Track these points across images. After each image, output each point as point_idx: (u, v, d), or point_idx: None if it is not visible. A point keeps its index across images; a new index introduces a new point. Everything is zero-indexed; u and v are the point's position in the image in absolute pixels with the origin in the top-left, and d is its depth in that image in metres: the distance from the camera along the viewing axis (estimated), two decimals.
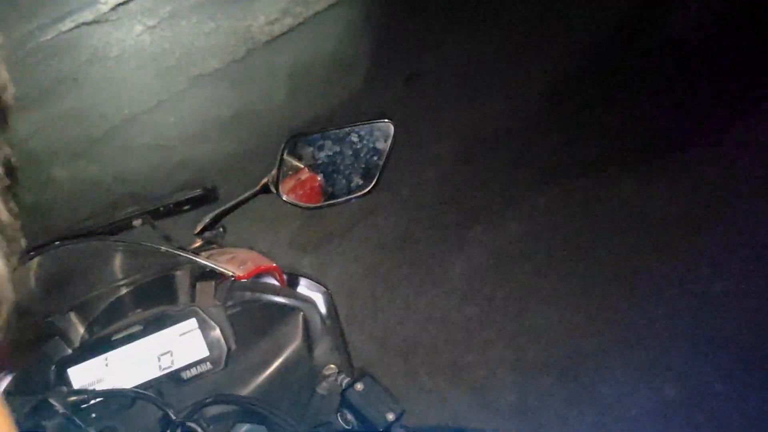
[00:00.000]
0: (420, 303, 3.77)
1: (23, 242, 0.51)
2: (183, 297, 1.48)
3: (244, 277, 1.55)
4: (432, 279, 3.87)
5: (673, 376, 3.26)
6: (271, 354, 1.48)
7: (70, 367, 1.38)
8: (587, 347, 3.44)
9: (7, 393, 1.33)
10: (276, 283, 1.71)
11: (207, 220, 1.82)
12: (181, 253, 1.53)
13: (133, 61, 5.83)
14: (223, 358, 1.42)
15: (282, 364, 1.48)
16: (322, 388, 1.48)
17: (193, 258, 1.53)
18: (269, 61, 5.59)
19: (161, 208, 1.78)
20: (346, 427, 1.40)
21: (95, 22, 6.20)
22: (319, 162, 1.77)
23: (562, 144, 4.45)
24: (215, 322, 1.42)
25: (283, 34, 5.76)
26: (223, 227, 1.85)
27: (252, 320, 1.49)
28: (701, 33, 5.06)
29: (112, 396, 1.35)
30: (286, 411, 1.38)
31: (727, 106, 4.48)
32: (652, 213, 3.94)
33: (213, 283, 1.49)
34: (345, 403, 1.41)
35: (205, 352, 1.41)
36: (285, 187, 1.74)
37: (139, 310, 1.47)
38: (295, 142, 1.75)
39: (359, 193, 1.76)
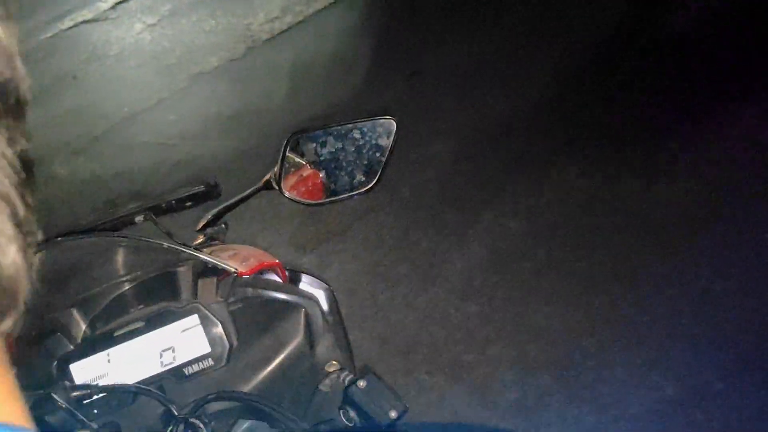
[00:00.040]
0: (420, 302, 3.77)
1: (40, 235, 0.51)
2: (185, 293, 1.48)
3: (246, 274, 1.55)
4: (432, 278, 3.87)
5: (673, 376, 3.26)
6: (273, 350, 1.48)
7: (72, 362, 1.38)
8: (587, 346, 3.44)
9: None
10: (278, 279, 1.71)
11: (209, 216, 1.82)
12: (184, 249, 1.53)
13: (133, 59, 5.82)
14: (225, 354, 1.42)
15: (284, 360, 1.47)
16: (325, 385, 1.48)
17: (196, 254, 1.53)
18: (269, 60, 5.59)
19: (163, 205, 1.78)
20: (349, 424, 1.40)
21: (95, 20, 6.20)
22: (322, 158, 1.77)
23: (562, 144, 4.45)
24: (217, 319, 1.42)
25: (284, 32, 5.76)
26: (226, 223, 1.85)
27: (254, 317, 1.48)
28: (701, 33, 5.06)
29: (114, 391, 1.35)
30: (288, 407, 1.38)
31: (727, 105, 4.49)
32: (653, 212, 3.94)
33: (215, 279, 1.49)
34: (347, 400, 1.40)
35: (207, 349, 1.41)
36: (287, 183, 1.74)
37: (141, 306, 1.47)
38: (297, 138, 1.74)
39: (361, 190, 1.76)
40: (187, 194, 1.82)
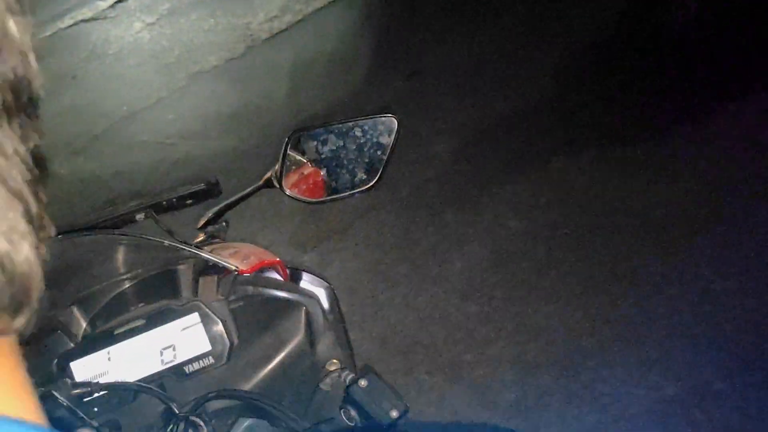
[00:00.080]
0: (419, 301, 3.77)
1: (53, 231, 0.52)
2: (186, 291, 1.48)
3: (247, 272, 1.55)
4: (431, 277, 3.86)
5: (673, 375, 3.26)
6: (274, 349, 1.48)
7: (72, 360, 1.38)
8: (587, 346, 3.44)
9: None
10: (279, 277, 1.70)
11: (210, 214, 1.82)
12: (184, 247, 1.53)
13: (132, 58, 5.82)
14: (226, 352, 1.42)
15: (284, 358, 1.48)
16: (326, 384, 1.47)
17: (197, 252, 1.53)
18: (269, 59, 5.59)
19: (164, 203, 1.78)
20: (350, 423, 1.40)
21: (94, 19, 6.20)
22: (323, 156, 1.76)
23: (562, 143, 4.45)
24: (218, 317, 1.42)
25: (283, 31, 5.76)
26: (226, 221, 1.84)
27: (254, 315, 1.48)
28: (701, 33, 5.06)
29: (115, 389, 1.35)
30: (288, 406, 1.39)
31: (727, 105, 4.49)
32: (653, 212, 3.94)
33: (216, 277, 1.49)
34: (348, 399, 1.40)
35: (207, 347, 1.41)
36: (288, 181, 1.73)
37: (141, 304, 1.46)
38: (298, 136, 1.74)
39: (362, 188, 1.75)
40: (187, 192, 1.82)
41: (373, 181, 1.74)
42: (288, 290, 1.53)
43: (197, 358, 1.41)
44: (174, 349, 1.41)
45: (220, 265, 1.51)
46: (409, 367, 3.51)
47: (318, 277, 1.79)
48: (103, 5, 6.28)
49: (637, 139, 4.40)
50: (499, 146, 4.53)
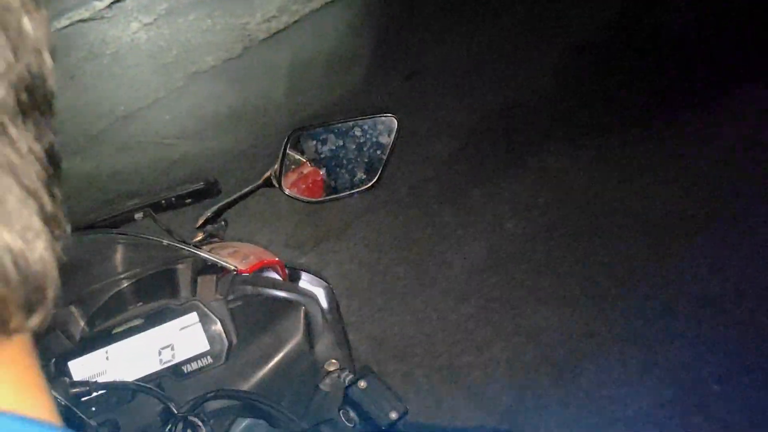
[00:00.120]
0: (417, 303, 3.76)
1: (68, 229, 0.51)
2: (184, 291, 1.47)
3: (246, 271, 1.54)
4: (429, 278, 3.86)
5: (671, 378, 3.26)
6: (273, 348, 1.47)
7: (70, 360, 1.37)
8: (584, 348, 3.43)
9: None
10: (278, 277, 1.70)
11: (209, 213, 1.82)
12: (183, 247, 1.52)
13: (130, 59, 5.82)
14: (224, 352, 1.41)
15: (283, 358, 1.47)
16: (325, 385, 1.47)
17: (195, 251, 1.53)
18: (267, 59, 5.59)
19: (163, 202, 1.78)
20: (349, 424, 1.39)
21: (91, 19, 6.20)
22: (322, 156, 1.76)
23: (560, 144, 4.45)
24: (216, 316, 1.42)
25: (281, 31, 5.76)
26: (225, 221, 1.84)
27: (253, 314, 1.48)
28: (701, 33, 5.07)
29: (113, 388, 1.34)
30: (287, 406, 1.38)
31: (728, 106, 4.50)
32: (651, 213, 3.94)
33: (215, 276, 1.49)
34: (348, 400, 1.39)
35: (206, 346, 1.41)
36: (287, 181, 1.73)
37: (140, 304, 1.46)
38: (297, 136, 1.74)
39: (362, 188, 1.75)
40: (186, 191, 1.82)
41: (373, 181, 1.74)
42: (287, 290, 1.53)
43: (196, 358, 1.40)
44: (172, 349, 1.40)
45: (219, 265, 1.51)
46: (406, 368, 3.50)
47: (317, 276, 1.79)
48: (100, 5, 6.28)
49: (636, 139, 4.41)
50: (497, 146, 4.53)
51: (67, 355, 1.38)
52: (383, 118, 1.75)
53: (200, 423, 1.28)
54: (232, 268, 1.51)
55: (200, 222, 1.82)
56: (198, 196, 1.83)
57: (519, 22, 5.45)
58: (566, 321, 3.55)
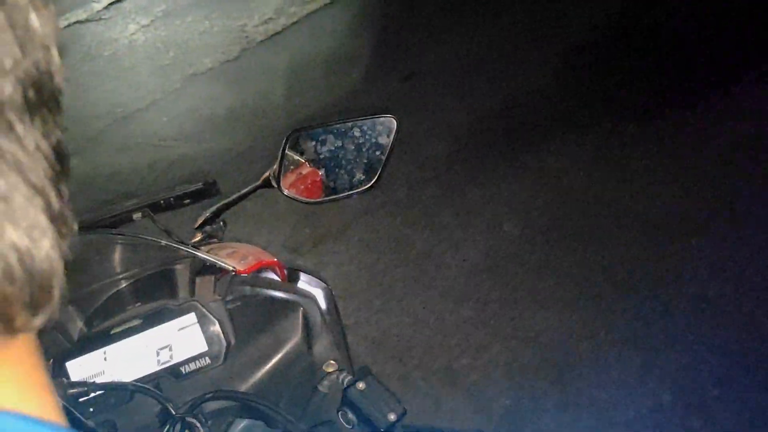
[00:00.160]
0: (415, 305, 3.76)
1: (75, 227, 0.51)
2: (183, 291, 1.47)
3: (244, 272, 1.54)
4: (427, 280, 3.86)
5: (669, 381, 3.25)
6: (271, 349, 1.47)
7: (68, 360, 1.37)
8: (582, 350, 3.43)
9: None
10: (276, 278, 1.70)
11: (207, 213, 1.81)
12: (182, 247, 1.52)
13: (127, 60, 5.82)
14: (222, 353, 1.41)
15: (281, 359, 1.47)
16: (323, 386, 1.47)
17: (194, 252, 1.52)
18: (264, 61, 5.59)
19: (161, 202, 1.77)
20: (347, 426, 1.39)
21: (88, 20, 6.19)
22: (321, 157, 1.75)
23: (559, 144, 4.45)
24: (215, 317, 1.42)
25: (278, 33, 5.76)
26: (224, 221, 1.84)
27: (252, 315, 1.48)
28: (701, 33, 5.06)
29: (111, 389, 1.34)
30: (285, 407, 1.38)
31: (728, 106, 4.50)
32: (649, 215, 3.94)
33: (213, 277, 1.49)
34: (346, 401, 1.40)
35: (204, 347, 1.41)
36: (286, 181, 1.72)
37: (138, 304, 1.46)
38: (297, 136, 1.73)
39: (361, 189, 1.74)
40: (185, 192, 1.82)
41: (372, 182, 1.73)
42: (285, 291, 1.53)
43: (194, 359, 1.40)
44: (170, 350, 1.40)
45: (218, 266, 1.51)
46: (404, 371, 3.50)
47: (316, 277, 1.79)
48: (98, 7, 6.27)
49: (636, 139, 4.41)
50: (496, 147, 4.53)
51: (65, 356, 1.37)
52: (382, 118, 1.74)
53: (198, 424, 1.28)
54: (231, 268, 1.51)
55: (199, 222, 1.82)
56: (197, 196, 1.83)
57: (518, 23, 5.46)
58: (565, 323, 3.55)
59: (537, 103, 4.82)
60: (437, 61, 5.26)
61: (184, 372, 1.40)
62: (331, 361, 1.49)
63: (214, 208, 1.81)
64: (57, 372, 1.36)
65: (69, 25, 6.15)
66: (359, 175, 1.75)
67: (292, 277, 1.77)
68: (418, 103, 4.92)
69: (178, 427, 1.28)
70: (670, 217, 3.92)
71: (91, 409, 1.33)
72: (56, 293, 0.48)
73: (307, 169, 1.76)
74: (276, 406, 1.35)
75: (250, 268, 1.58)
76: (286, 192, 1.71)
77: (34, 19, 0.45)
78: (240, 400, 1.39)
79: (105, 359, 1.38)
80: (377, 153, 1.74)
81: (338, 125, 1.75)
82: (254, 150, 4.61)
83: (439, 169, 4.43)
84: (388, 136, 1.73)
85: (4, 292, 0.45)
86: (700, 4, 5.32)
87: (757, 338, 3.34)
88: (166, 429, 1.28)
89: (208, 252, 1.57)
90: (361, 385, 1.39)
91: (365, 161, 1.75)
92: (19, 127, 0.44)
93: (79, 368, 1.37)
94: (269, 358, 1.47)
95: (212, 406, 1.37)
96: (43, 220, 0.46)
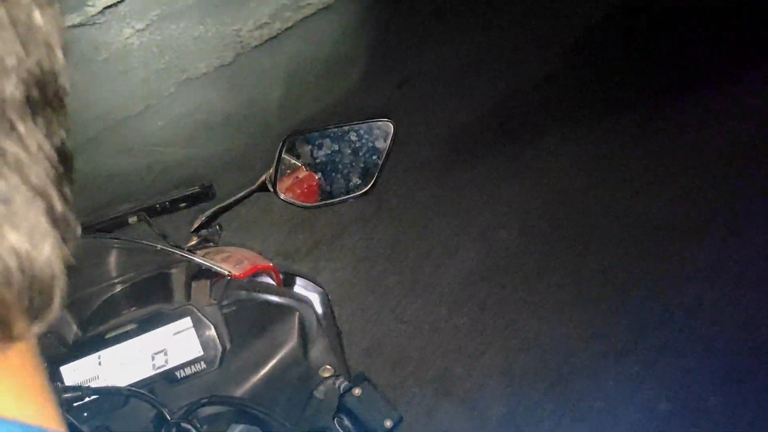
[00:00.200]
0: (409, 312, 3.75)
1: (78, 231, 0.50)
2: (178, 295, 1.47)
3: (240, 277, 1.53)
4: (421, 288, 3.85)
5: (665, 389, 3.25)
6: (267, 354, 1.48)
7: (62, 365, 1.37)
8: (578, 358, 3.43)
9: None
10: (272, 282, 1.69)
11: (203, 217, 1.81)
12: (177, 252, 1.51)
13: (121, 65, 5.80)
14: (218, 357, 1.41)
15: (277, 364, 1.47)
16: (320, 392, 1.47)
17: (189, 256, 1.51)
18: (259, 66, 5.58)
19: (157, 206, 1.77)
20: None
21: (82, 24, 6.18)
22: (318, 161, 1.75)
23: (556, 147, 4.45)
24: (210, 322, 1.41)
25: (273, 38, 5.75)
26: (220, 225, 1.83)
27: (247, 320, 1.48)
28: (701, 34, 5.06)
29: (106, 394, 1.33)
30: (281, 413, 1.38)
31: (729, 107, 4.49)
32: (645, 221, 3.93)
33: (209, 281, 1.49)
34: (342, 408, 1.40)
35: (199, 352, 1.40)
36: (282, 185, 1.72)
37: (133, 308, 1.46)
38: (293, 140, 1.73)
39: (357, 193, 1.75)
40: (181, 195, 1.82)
41: (369, 186, 1.73)
42: (281, 295, 1.53)
43: (189, 363, 1.40)
44: (166, 354, 1.40)
45: (213, 270, 1.50)
46: (398, 379, 3.49)
47: (312, 281, 1.78)
48: (93, 11, 6.26)
49: (635, 140, 4.41)
50: (490, 153, 4.52)
51: (59, 360, 1.37)
52: (379, 122, 1.74)
53: (193, 429, 1.28)
54: (226, 273, 1.50)
55: (195, 226, 1.81)
56: (192, 200, 1.83)
57: (515, 25, 5.45)
58: (560, 331, 3.54)
59: (535, 104, 4.81)
60: (433, 64, 5.26)
61: (179, 377, 1.40)
62: (327, 366, 1.49)
63: (210, 212, 1.81)
64: (51, 376, 1.35)
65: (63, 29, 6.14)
66: (356, 180, 1.75)
67: (288, 282, 1.77)
68: (414, 107, 4.92)
69: None
70: (668, 219, 3.91)
71: (86, 414, 1.33)
72: (57, 299, 0.47)
73: (303, 173, 1.76)
74: (272, 411, 1.35)
75: (246, 273, 1.58)
76: (282, 196, 1.71)
77: (38, 17, 0.44)
78: (235, 406, 1.39)
79: (99, 364, 1.37)
80: (374, 157, 1.74)
81: (335, 129, 1.75)
82: (250, 154, 4.61)
83: (435, 174, 4.42)
84: (385, 141, 1.73)
85: (3, 297, 0.43)
86: (700, 4, 5.32)
87: (755, 345, 3.34)
88: None
89: (204, 256, 1.56)
90: (357, 392, 1.39)
91: (362, 165, 1.75)
92: (21, 127, 0.43)
93: (73, 372, 1.36)
94: (265, 362, 1.47)
95: (207, 411, 1.37)
96: (44, 223, 0.45)
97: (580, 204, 4.08)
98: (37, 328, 0.47)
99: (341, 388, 1.44)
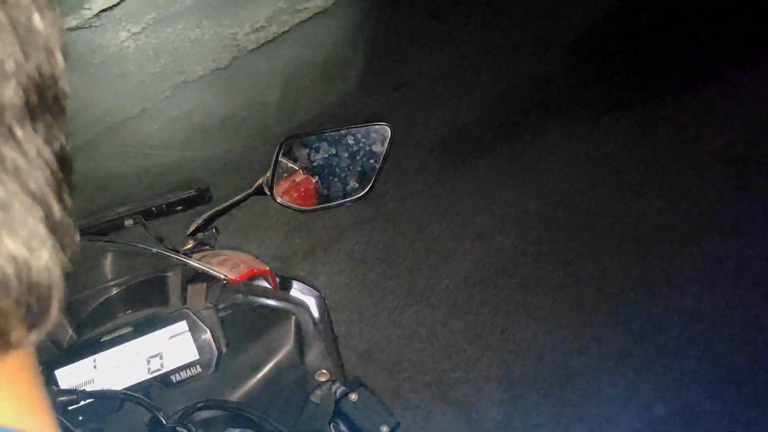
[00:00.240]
0: (405, 317, 3.74)
1: (77, 238, 0.50)
2: (174, 299, 1.46)
3: (236, 280, 1.53)
4: (418, 293, 3.84)
5: (662, 394, 3.24)
6: (263, 358, 1.47)
7: (57, 368, 1.36)
8: (574, 364, 3.42)
9: None
10: (268, 286, 1.69)
11: (200, 221, 1.81)
12: (172, 255, 1.51)
13: (117, 68, 5.80)
14: (214, 361, 1.40)
15: (273, 368, 1.47)
16: (316, 396, 1.46)
17: (185, 260, 1.51)
18: (255, 69, 5.58)
19: (153, 209, 1.77)
20: None
21: (79, 28, 6.18)
22: (315, 164, 1.75)
23: (552, 152, 4.44)
24: (206, 325, 1.40)
25: (269, 41, 5.76)
26: (216, 228, 1.83)
27: (243, 323, 1.48)
28: (702, 33, 5.06)
29: (101, 397, 1.32)
30: (277, 417, 1.37)
31: (729, 109, 4.49)
32: (641, 227, 3.93)
33: (205, 285, 1.48)
34: (339, 413, 1.39)
35: (195, 356, 1.39)
36: (279, 189, 1.72)
37: (129, 312, 1.45)
38: (290, 144, 1.73)
39: (354, 197, 1.74)
40: (177, 198, 1.82)
41: (366, 190, 1.73)
42: (277, 299, 1.52)
43: (185, 367, 1.39)
44: (161, 358, 1.39)
45: (209, 273, 1.49)
46: (394, 384, 3.48)
47: (308, 285, 1.78)
48: (89, 14, 6.26)
49: (633, 145, 4.41)
50: (488, 155, 4.52)
51: (54, 363, 1.36)
52: (376, 126, 1.74)
53: None
54: (222, 276, 1.49)
55: (191, 229, 1.81)
56: (189, 203, 1.83)
57: (512, 29, 5.45)
58: (556, 336, 3.53)
59: (535, 104, 4.82)
60: (430, 67, 5.26)
61: (174, 380, 1.39)
62: (324, 370, 1.48)
63: (206, 215, 1.81)
64: (46, 380, 1.34)
65: None
66: (353, 183, 1.75)
67: (284, 286, 1.76)
68: (411, 110, 4.92)
69: None
70: (667, 220, 3.91)
71: (81, 418, 1.32)
72: (55, 307, 0.47)
73: (300, 177, 1.75)
74: (267, 415, 1.34)
75: (242, 276, 1.58)
76: (279, 199, 1.71)
77: (38, 21, 0.44)
78: (231, 410, 1.38)
79: (95, 367, 1.36)
80: (371, 161, 1.73)
81: (332, 133, 1.74)
82: (247, 157, 4.60)
83: (432, 178, 4.42)
84: (383, 144, 1.73)
85: (0, 304, 0.43)
86: (700, 4, 5.31)
87: (750, 352, 3.33)
88: None
89: (200, 259, 1.56)
90: (353, 397, 1.38)
91: (359, 169, 1.74)
92: (19, 133, 0.43)
93: (68, 376, 1.35)
94: (261, 366, 1.46)
95: (203, 415, 1.36)
96: (42, 229, 0.45)
97: (577, 206, 4.08)
98: (35, 336, 0.47)
99: (338, 393, 1.43)
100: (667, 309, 3.54)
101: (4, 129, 0.42)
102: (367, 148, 1.74)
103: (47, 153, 0.45)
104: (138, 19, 6.17)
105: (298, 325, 1.49)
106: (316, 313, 1.62)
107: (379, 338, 3.68)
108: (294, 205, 1.75)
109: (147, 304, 1.45)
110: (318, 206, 1.79)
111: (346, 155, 1.74)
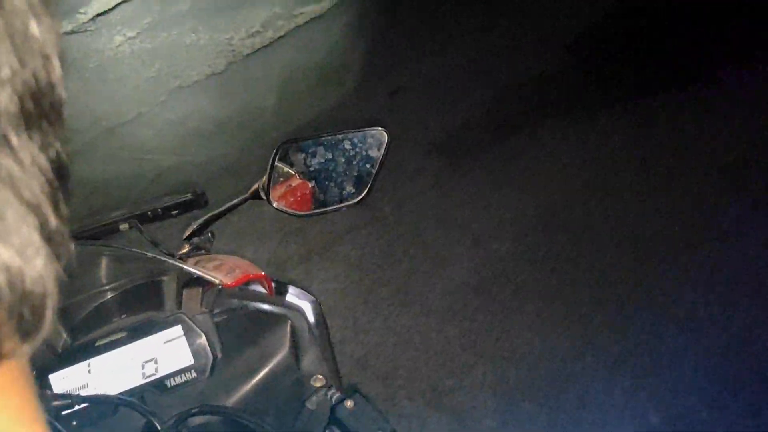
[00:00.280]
0: (400, 324, 3.74)
1: (72, 246, 0.48)
2: (169, 303, 1.45)
3: (232, 285, 1.52)
4: (412, 299, 3.84)
5: (658, 403, 3.24)
6: (258, 363, 1.46)
7: (51, 372, 1.35)
8: (569, 372, 3.41)
9: None
10: (264, 291, 1.68)
11: (195, 225, 1.80)
12: (168, 259, 1.50)
13: (113, 72, 5.80)
14: (209, 366, 1.39)
15: (269, 373, 1.46)
16: (311, 402, 1.46)
17: (180, 265, 1.50)
18: (250, 74, 5.58)
19: (149, 213, 1.76)
20: None
21: (74, 32, 6.17)
22: (311, 169, 1.74)
23: (547, 158, 4.44)
24: (201, 330, 1.39)
25: (265, 47, 5.76)
26: (212, 233, 1.82)
27: (239, 328, 1.47)
28: (702, 33, 5.06)
29: (95, 402, 1.31)
30: (272, 423, 1.36)
31: (729, 109, 4.49)
32: (638, 234, 3.93)
33: (200, 289, 1.47)
34: (334, 419, 1.39)
35: (190, 360, 1.38)
36: (275, 193, 1.71)
37: (123, 316, 1.44)
38: (286, 148, 1.72)
39: (351, 202, 1.74)
40: (173, 202, 1.81)
41: (362, 195, 1.73)
42: (273, 303, 1.51)
43: (179, 372, 1.38)
44: (156, 362, 1.38)
45: (205, 278, 1.49)
46: (389, 391, 3.48)
47: (304, 290, 1.78)
48: (84, 18, 6.25)
49: (633, 145, 4.41)
50: (485, 159, 4.52)
51: (48, 368, 1.35)
52: (373, 131, 1.74)
53: None
54: (218, 281, 1.49)
55: (187, 234, 1.80)
56: (185, 207, 1.82)
57: (509, 31, 5.45)
58: (551, 344, 3.53)
59: (534, 105, 4.82)
60: (426, 72, 5.26)
61: (169, 385, 1.38)
62: (319, 376, 1.48)
63: (202, 220, 1.80)
64: (39, 385, 1.33)
65: None
66: (349, 188, 1.75)
67: (280, 291, 1.76)
68: (408, 115, 4.92)
69: None
70: (665, 225, 3.91)
71: (75, 423, 1.31)
72: (48, 316, 0.46)
73: (296, 182, 1.75)
74: (263, 421, 1.34)
75: (238, 281, 1.57)
76: (275, 204, 1.70)
77: (34, 27, 0.43)
78: (226, 415, 1.37)
79: (89, 372, 1.36)
80: (367, 166, 1.73)
81: (329, 137, 1.74)
82: (242, 162, 4.60)
83: (428, 182, 4.42)
84: (379, 149, 1.73)
85: None
86: (700, 4, 5.31)
87: (745, 360, 3.33)
88: None
89: (195, 264, 1.55)
90: (349, 404, 1.38)
91: (355, 174, 1.74)
92: (14, 140, 0.42)
93: (62, 380, 1.35)
94: (256, 371, 1.46)
95: (198, 420, 1.36)
96: (36, 238, 0.43)
97: (574, 211, 4.08)
98: (28, 347, 0.46)
99: (333, 399, 1.43)
100: (664, 316, 3.54)
101: None
102: (364, 152, 1.73)
103: (43, 161, 0.45)
104: (133, 24, 6.16)
105: (293, 330, 1.48)
106: (311, 318, 1.62)
107: (373, 344, 3.67)
108: (290, 210, 1.74)
109: (142, 308, 1.44)
110: (314, 211, 1.79)
111: (343, 160, 1.74)
